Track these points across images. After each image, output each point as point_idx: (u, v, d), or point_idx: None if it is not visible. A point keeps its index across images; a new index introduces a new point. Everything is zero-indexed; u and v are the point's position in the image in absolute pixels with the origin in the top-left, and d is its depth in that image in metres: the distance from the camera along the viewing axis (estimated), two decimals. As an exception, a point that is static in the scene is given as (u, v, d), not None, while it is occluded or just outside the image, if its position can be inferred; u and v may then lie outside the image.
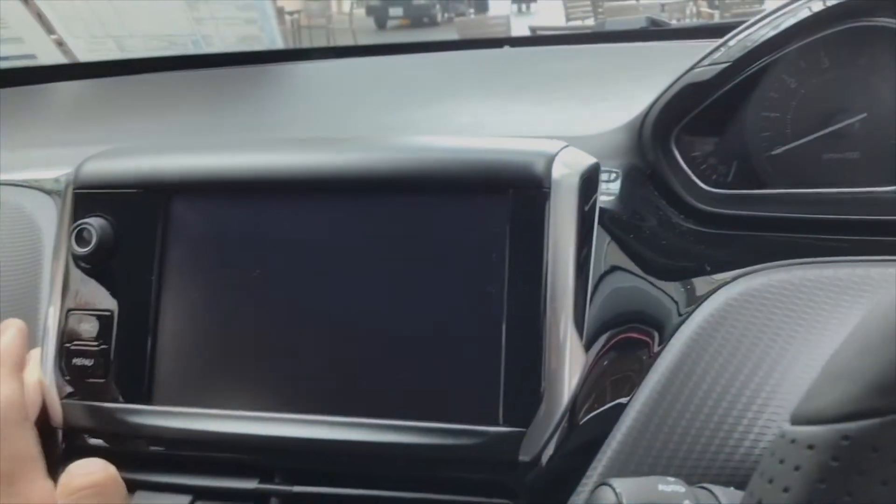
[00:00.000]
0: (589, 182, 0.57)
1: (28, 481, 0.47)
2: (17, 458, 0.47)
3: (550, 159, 0.56)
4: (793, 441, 0.30)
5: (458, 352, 0.54)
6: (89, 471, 0.48)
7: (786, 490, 0.30)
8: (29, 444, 0.49)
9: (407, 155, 0.58)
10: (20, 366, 0.53)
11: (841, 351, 0.32)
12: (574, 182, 0.55)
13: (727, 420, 0.53)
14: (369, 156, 0.59)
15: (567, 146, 0.58)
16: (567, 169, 0.56)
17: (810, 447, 0.30)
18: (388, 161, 0.58)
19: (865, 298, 0.57)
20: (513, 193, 0.55)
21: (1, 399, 0.49)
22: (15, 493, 0.46)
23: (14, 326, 0.56)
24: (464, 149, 0.58)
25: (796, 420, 0.31)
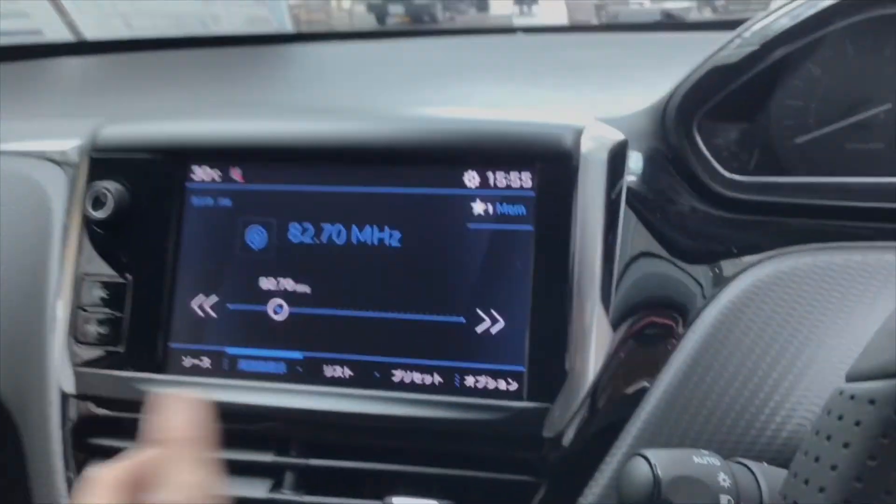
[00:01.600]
0: (617, 158, 0.56)
1: None
2: None
3: (579, 133, 0.55)
4: (852, 397, 0.30)
5: (484, 326, 0.54)
6: None
7: (846, 445, 0.29)
8: None
9: (433, 126, 0.57)
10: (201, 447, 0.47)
11: None
12: (603, 157, 0.55)
13: (754, 401, 0.52)
14: (394, 125, 0.58)
15: (595, 121, 0.57)
16: (596, 143, 0.55)
17: (872, 402, 0.29)
18: (414, 131, 0.57)
19: (892, 283, 0.57)
20: (540, 166, 0.54)
21: (199, 486, 0.44)
22: None
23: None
24: (491, 121, 0.57)
25: (854, 377, 0.31)
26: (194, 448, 0.46)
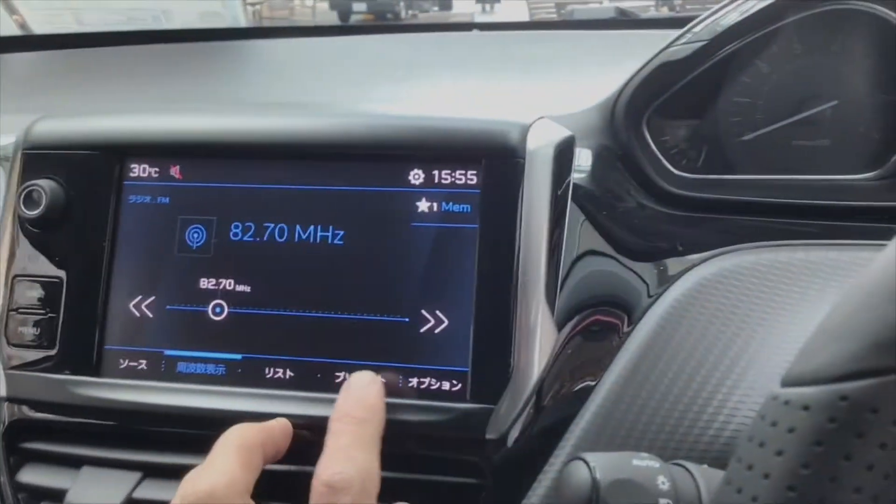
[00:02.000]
0: (564, 154, 0.55)
1: None
2: None
3: (525, 129, 0.54)
4: (786, 403, 0.29)
5: (428, 326, 0.53)
6: None
7: (779, 453, 0.28)
8: None
9: (378, 123, 0.56)
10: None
11: (837, 309, 0.30)
12: (549, 153, 0.54)
13: (697, 400, 0.52)
14: (338, 122, 0.57)
15: (542, 118, 0.56)
16: (542, 140, 0.54)
17: (805, 408, 0.28)
18: (358, 127, 0.56)
19: (836, 281, 0.57)
20: (486, 163, 0.53)
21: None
22: None
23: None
24: (436, 118, 0.56)
25: (789, 381, 0.30)
26: (372, 429, 0.47)
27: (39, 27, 1.24)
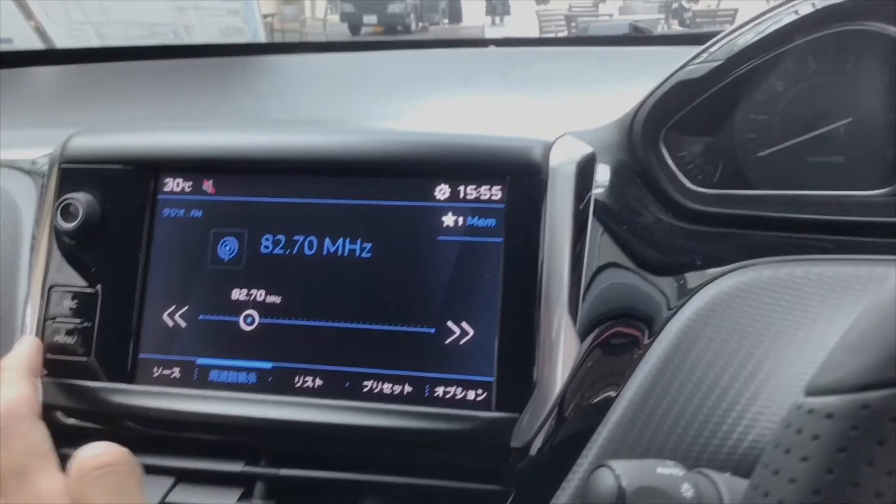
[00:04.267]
0: (585, 171, 0.57)
1: (39, 474, 0.45)
2: (29, 452, 0.46)
3: (548, 147, 0.56)
4: (810, 411, 0.30)
5: (454, 337, 0.54)
6: (99, 451, 0.46)
7: (804, 459, 0.30)
8: (40, 440, 0.48)
9: (405, 139, 0.58)
10: (33, 371, 0.54)
11: (859, 322, 0.32)
12: (571, 170, 0.55)
13: (717, 411, 0.53)
14: (366, 139, 0.58)
15: (564, 135, 0.58)
16: (565, 156, 0.56)
17: (829, 416, 0.30)
18: (386, 144, 0.58)
19: (852, 296, 0.58)
20: (510, 179, 0.55)
21: (12, 397, 0.49)
22: (26, 485, 0.45)
23: (29, 339, 0.58)
24: (462, 135, 0.58)
25: (813, 391, 0.31)
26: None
27: (61, 41, 1.26)
